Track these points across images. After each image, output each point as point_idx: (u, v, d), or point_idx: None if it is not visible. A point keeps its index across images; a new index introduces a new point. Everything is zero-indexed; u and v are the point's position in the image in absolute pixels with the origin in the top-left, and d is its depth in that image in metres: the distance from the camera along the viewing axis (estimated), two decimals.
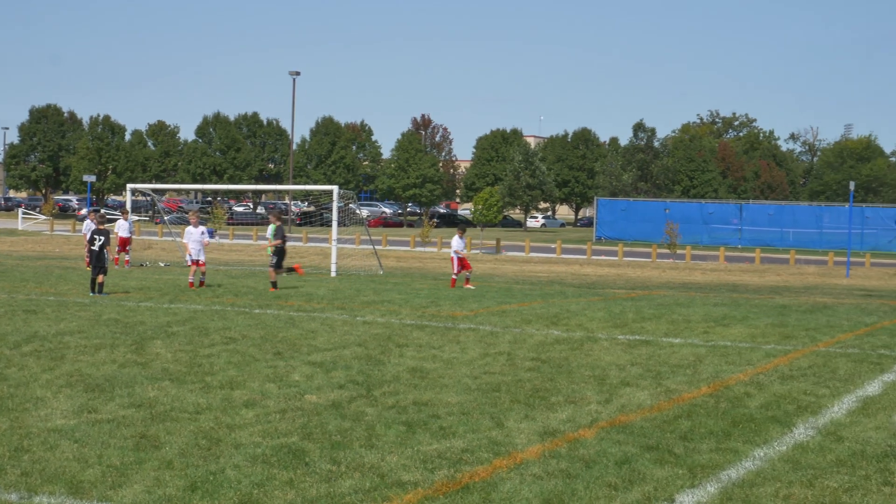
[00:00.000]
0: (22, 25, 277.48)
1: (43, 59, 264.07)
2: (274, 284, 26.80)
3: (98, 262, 24.51)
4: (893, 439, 10.18)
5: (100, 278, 24.33)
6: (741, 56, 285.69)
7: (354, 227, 56.13)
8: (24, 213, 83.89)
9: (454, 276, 30.43)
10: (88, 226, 26.06)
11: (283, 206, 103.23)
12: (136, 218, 64.69)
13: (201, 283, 27.06)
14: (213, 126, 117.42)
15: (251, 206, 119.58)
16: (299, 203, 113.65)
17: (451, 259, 30.61)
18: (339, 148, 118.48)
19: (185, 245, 27.99)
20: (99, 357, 14.16)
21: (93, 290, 24.21)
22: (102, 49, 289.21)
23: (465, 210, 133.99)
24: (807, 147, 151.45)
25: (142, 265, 37.60)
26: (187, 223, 28.41)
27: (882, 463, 9.24)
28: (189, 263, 27.71)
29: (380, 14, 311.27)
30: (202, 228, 27.84)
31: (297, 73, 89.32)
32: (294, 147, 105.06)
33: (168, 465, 8.58)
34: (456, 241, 30.60)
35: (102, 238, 24.67)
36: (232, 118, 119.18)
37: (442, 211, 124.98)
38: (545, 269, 44.44)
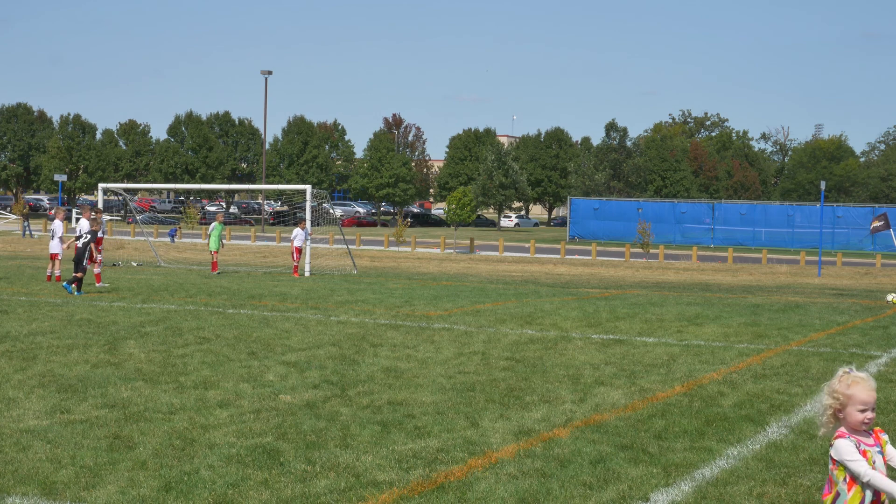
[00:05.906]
0: None
1: (10, 57, 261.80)
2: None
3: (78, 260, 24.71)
4: None
5: (78, 275, 24.35)
6: (713, 56, 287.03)
7: (328, 226, 55.96)
8: None
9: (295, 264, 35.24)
10: (83, 224, 26.10)
11: (256, 206, 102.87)
12: (109, 217, 64.24)
13: (58, 278, 27.63)
14: (185, 125, 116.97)
15: (224, 206, 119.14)
16: (272, 203, 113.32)
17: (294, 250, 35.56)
18: (311, 147, 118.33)
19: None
20: (71, 357, 14.07)
21: (78, 290, 24.13)
22: (72, 47, 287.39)
23: (438, 209, 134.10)
24: (778, 146, 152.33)
25: (114, 265, 37.43)
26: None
27: None
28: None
29: (351, 13, 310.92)
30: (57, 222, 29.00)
31: (269, 73, 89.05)
32: (266, 146, 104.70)
33: (142, 465, 8.53)
34: (297, 233, 35.75)
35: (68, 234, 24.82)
36: (204, 117, 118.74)
37: (416, 210, 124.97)
38: (519, 269, 44.47)
